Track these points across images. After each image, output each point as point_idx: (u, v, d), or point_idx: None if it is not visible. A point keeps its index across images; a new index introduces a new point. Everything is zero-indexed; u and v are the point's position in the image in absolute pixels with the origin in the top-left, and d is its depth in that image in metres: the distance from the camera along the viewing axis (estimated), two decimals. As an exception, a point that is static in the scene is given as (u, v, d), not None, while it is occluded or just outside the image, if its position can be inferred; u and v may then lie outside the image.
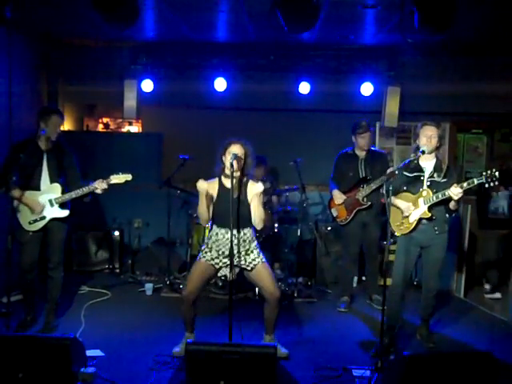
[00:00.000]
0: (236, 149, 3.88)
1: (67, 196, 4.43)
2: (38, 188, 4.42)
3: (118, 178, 4.46)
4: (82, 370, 3.62)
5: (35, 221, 4.43)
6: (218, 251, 4.02)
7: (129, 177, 4.50)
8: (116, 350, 4.23)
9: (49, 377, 3.32)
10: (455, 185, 4.02)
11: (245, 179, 4.01)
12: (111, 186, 4.47)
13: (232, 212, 3.73)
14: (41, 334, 4.35)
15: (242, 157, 3.90)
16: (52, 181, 4.45)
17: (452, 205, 4.16)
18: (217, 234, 4.03)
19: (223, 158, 3.95)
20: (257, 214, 3.94)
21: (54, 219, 4.47)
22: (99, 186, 4.37)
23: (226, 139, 3.98)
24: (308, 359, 4.17)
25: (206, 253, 4.06)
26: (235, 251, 3.84)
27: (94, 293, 5.78)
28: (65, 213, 4.49)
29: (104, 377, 3.72)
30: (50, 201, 4.43)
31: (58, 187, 4.45)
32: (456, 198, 4.01)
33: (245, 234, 3.99)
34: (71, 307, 5.24)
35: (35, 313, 4.71)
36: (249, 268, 4.03)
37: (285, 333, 4.73)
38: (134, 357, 4.13)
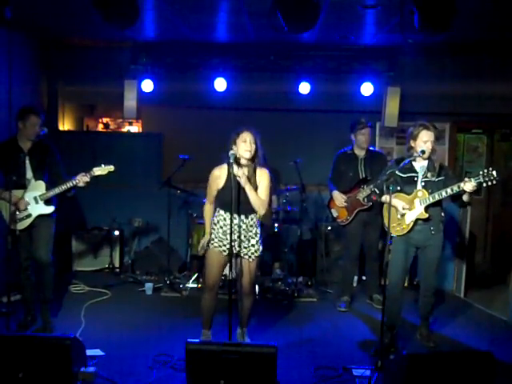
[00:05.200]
0: (248, 136, 3.97)
1: (51, 192, 4.44)
2: (24, 186, 4.44)
3: (100, 170, 4.48)
4: (83, 369, 3.63)
5: (21, 219, 4.44)
6: (225, 235, 4.07)
7: (111, 168, 4.52)
8: (116, 350, 4.24)
9: (49, 376, 3.32)
10: (466, 179, 3.98)
11: (253, 166, 4.07)
12: (95, 178, 4.47)
13: (235, 201, 3.81)
14: (41, 333, 4.35)
15: (254, 144, 3.99)
16: (36, 178, 4.47)
17: (466, 198, 4.15)
18: (224, 218, 4.08)
19: (233, 146, 3.99)
20: (262, 191, 4.05)
21: (39, 216, 4.48)
22: (81, 179, 4.38)
23: (235, 129, 4.04)
24: (308, 359, 4.18)
25: (213, 240, 4.12)
26: (241, 236, 3.98)
27: (94, 293, 5.77)
28: (50, 209, 4.51)
29: (104, 376, 3.72)
30: (35, 198, 4.45)
31: (41, 184, 4.47)
32: (471, 191, 3.98)
33: (252, 219, 4.08)
34: (71, 307, 5.24)
35: (35, 312, 4.71)
36: (250, 259, 4.11)
37: (285, 333, 4.73)
38: (134, 356, 4.13)
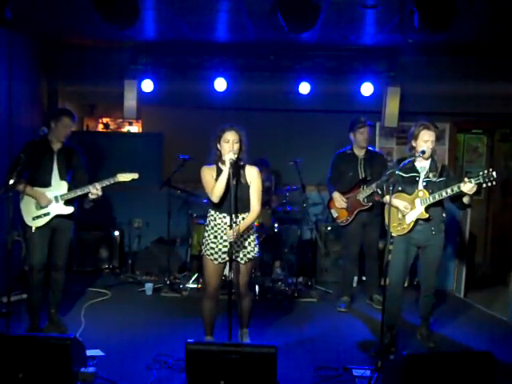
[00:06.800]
0: (230, 136, 3.92)
1: (72, 193, 4.47)
2: (48, 185, 4.47)
3: (124, 177, 4.49)
4: (82, 369, 3.63)
5: (39, 217, 4.45)
6: (216, 237, 4.05)
7: (135, 175, 4.53)
8: (116, 350, 4.24)
9: (49, 377, 3.32)
10: (466, 179, 3.98)
11: (241, 163, 4.05)
12: (118, 184, 4.48)
13: (232, 200, 3.77)
14: (41, 333, 4.34)
15: (238, 143, 3.94)
16: (60, 178, 4.51)
17: (466, 200, 4.14)
18: (215, 218, 4.06)
19: (218, 145, 3.99)
20: (255, 196, 4.02)
21: (60, 217, 4.50)
22: (92, 190, 4.37)
23: (218, 126, 4.01)
24: (308, 359, 4.18)
25: (206, 246, 4.10)
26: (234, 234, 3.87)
27: (94, 293, 5.78)
28: (69, 209, 4.52)
29: (104, 376, 3.72)
30: (56, 197, 4.47)
31: (64, 184, 4.50)
32: (470, 192, 3.98)
33: (243, 219, 4.03)
34: (71, 307, 5.24)
35: (40, 315, 4.69)
36: (242, 261, 4.08)
37: (285, 333, 4.73)
38: (133, 357, 4.13)
